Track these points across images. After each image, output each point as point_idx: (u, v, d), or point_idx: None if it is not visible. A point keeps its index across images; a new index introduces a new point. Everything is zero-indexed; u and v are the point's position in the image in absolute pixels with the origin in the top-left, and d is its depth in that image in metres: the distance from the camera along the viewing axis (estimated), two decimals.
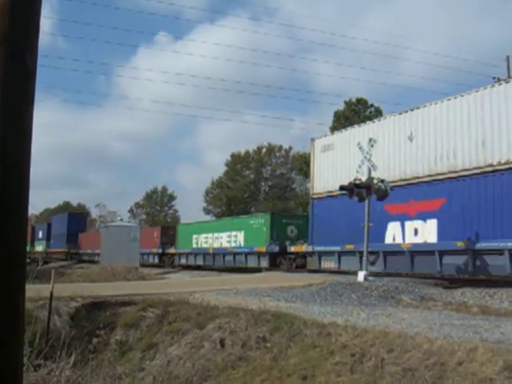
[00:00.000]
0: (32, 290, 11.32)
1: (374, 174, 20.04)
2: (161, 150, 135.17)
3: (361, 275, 18.60)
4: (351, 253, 22.91)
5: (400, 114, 21.61)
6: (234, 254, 34.11)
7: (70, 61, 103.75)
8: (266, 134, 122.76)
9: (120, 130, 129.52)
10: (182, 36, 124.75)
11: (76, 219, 64.42)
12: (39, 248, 71.50)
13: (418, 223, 20.44)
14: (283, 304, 13.60)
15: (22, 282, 3.36)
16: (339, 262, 23.94)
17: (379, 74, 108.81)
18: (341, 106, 54.31)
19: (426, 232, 20.12)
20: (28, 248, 72.60)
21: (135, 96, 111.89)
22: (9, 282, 3.23)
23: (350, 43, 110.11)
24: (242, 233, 33.66)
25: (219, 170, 75.38)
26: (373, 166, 20.32)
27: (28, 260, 50.11)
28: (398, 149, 21.15)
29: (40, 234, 73.35)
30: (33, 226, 78.77)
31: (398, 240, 21.04)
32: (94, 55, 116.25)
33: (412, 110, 20.94)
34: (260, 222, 32.54)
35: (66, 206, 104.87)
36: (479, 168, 18.01)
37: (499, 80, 36.99)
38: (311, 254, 26.09)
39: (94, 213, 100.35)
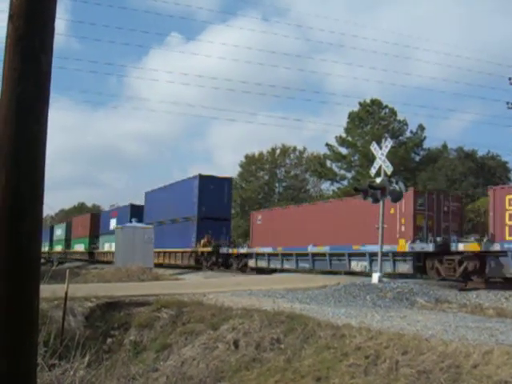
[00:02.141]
0: (47, 290, 11.41)
1: None
2: (173, 151, 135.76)
3: (375, 277, 18.53)
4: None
5: None
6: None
7: (83, 62, 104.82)
8: (279, 135, 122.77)
9: (133, 131, 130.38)
10: (193, 37, 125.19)
11: (217, 187, 35.63)
12: (109, 247, 46.60)
13: None
14: (297, 305, 13.57)
15: (35, 282, 3.38)
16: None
17: (393, 75, 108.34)
18: (355, 107, 54.14)
19: None
20: (85, 246, 56.24)
21: (147, 97, 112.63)
22: (22, 283, 3.24)
23: (362, 43, 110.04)
24: None
25: (232, 170, 75.41)
26: (387, 166, 20.21)
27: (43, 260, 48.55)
28: None
29: (112, 224, 48.60)
30: (93, 213, 61.30)
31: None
32: (106, 56, 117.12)
33: None
34: None
35: (80, 207, 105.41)
36: None
37: None
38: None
39: None
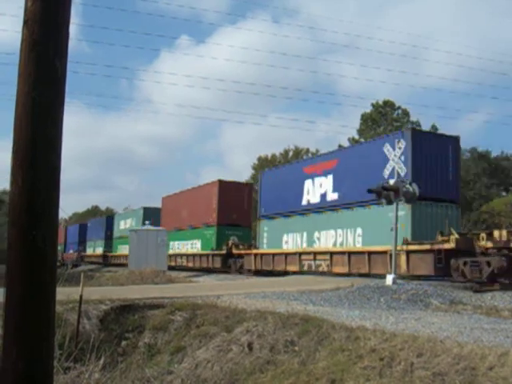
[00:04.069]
0: (62, 293, 11.46)
1: None
2: (185, 153, 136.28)
3: (389, 278, 18.46)
4: None
5: None
6: None
7: (93, 65, 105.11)
8: (290, 137, 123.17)
9: (144, 134, 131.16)
10: (203, 39, 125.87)
11: None
12: (294, 240, 28.10)
13: None
14: (311, 307, 13.55)
15: (52, 285, 3.40)
16: None
17: (405, 76, 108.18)
18: (367, 108, 54.12)
19: None
20: (210, 245, 35.85)
21: (159, 100, 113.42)
22: (39, 286, 3.27)
23: (373, 44, 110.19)
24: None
25: (244, 172, 75.59)
26: (401, 168, 20.15)
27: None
28: None
29: (323, 187, 26.61)
30: (223, 181, 36.55)
31: None
32: (117, 59, 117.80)
33: None
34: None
35: (94, 210, 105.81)
36: None
37: None
38: None
39: None
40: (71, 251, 69.97)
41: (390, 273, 18.94)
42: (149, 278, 27.02)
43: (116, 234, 55.68)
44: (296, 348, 10.28)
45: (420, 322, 11.28)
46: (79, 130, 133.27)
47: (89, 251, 65.41)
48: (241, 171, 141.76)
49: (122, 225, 54.08)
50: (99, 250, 60.07)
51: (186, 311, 13.59)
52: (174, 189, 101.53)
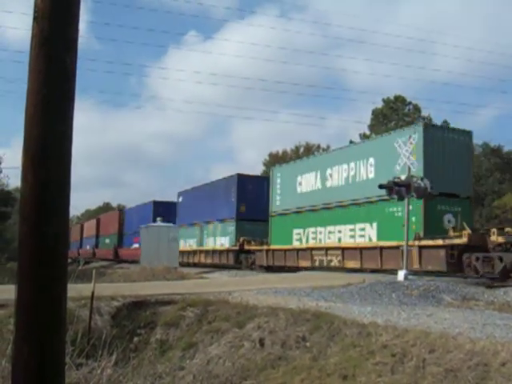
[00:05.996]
0: (74, 289, 11.51)
1: None
2: (195, 150, 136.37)
3: (401, 274, 18.40)
4: None
5: None
6: None
7: (103, 62, 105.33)
8: (301, 133, 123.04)
9: (154, 131, 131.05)
10: (211, 35, 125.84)
11: None
12: None
13: None
14: (322, 303, 13.53)
15: (63, 281, 3.41)
16: None
17: (416, 71, 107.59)
18: (378, 104, 53.92)
19: None
20: None
21: (167, 96, 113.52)
22: (50, 282, 3.27)
23: (384, 39, 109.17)
24: None
25: (255, 168, 75.51)
26: (412, 164, 20.07)
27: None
28: None
29: None
30: None
31: None
32: (126, 56, 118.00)
33: None
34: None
35: (106, 207, 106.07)
36: None
37: None
38: None
39: None
40: (135, 245, 44.85)
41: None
42: (160, 275, 27.08)
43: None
44: (307, 344, 10.28)
45: (432, 317, 11.23)
46: (88, 127, 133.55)
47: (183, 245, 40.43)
48: (252, 167, 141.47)
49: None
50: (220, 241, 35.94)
51: (197, 307, 13.61)
52: (185, 186, 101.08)
